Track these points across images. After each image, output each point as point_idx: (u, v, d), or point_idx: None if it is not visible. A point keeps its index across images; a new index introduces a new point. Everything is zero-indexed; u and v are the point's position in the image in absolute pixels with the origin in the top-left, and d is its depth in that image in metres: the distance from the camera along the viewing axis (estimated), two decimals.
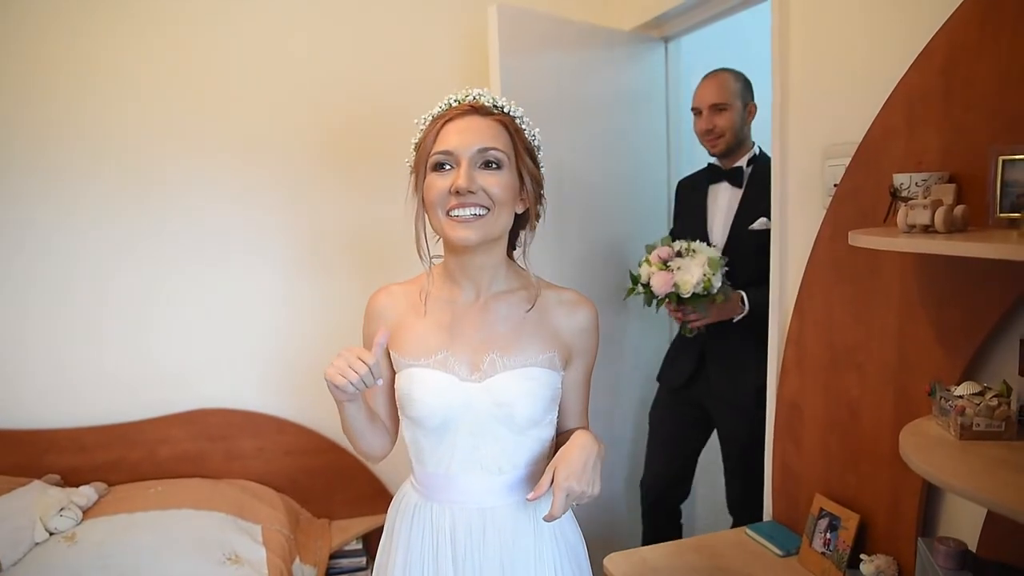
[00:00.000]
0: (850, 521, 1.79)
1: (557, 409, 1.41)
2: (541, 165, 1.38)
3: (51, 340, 2.79)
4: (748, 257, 2.38)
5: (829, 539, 1.83)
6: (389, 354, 1.40)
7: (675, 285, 2.30)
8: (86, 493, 2.59)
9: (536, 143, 1.37)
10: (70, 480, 2.74)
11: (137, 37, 2.72)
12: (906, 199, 1.45)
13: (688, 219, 2.61)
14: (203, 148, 2.81)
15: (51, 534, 2.39)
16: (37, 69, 2.66)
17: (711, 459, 3.10)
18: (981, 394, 1.33)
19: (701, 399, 2.60)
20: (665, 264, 2.32)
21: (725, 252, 2.43)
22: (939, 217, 1.28)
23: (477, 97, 1.32)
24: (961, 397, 1.35)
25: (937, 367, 1.54)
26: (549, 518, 1.21)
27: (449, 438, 1.34)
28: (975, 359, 1.48)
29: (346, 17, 2.87)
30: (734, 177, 2.51)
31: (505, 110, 1.33)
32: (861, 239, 1.41)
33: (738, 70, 2.51)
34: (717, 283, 2.28)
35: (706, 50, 2.96)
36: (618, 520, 2.92)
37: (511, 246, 1.43)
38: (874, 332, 1.71)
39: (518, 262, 1.44)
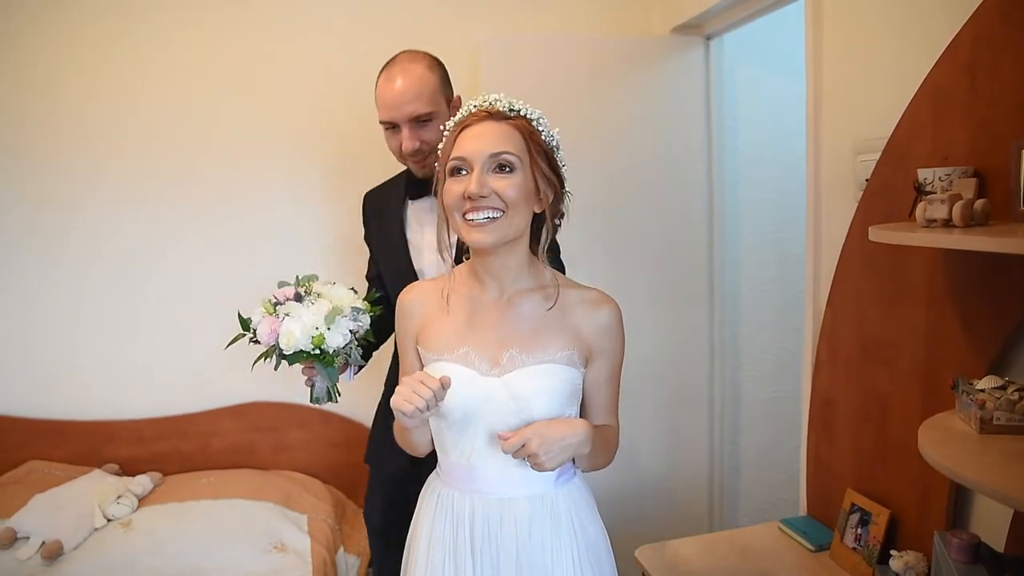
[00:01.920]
0: (881, 516, 1.79)
1: (577, 406, 1.44)
2: (562, 164, 1.41)
3: (110, 338, 2.95)
4: None
5: (860, 534, 1.83)
6: (418, 350, 1.47)
7: (279, 336, 1.65)
8: (142, 482, 2.74)
9: (554, 143, 1.39)
10: (127, 470, 2.89)
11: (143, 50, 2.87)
12: (930, 194, 1.45)
13: (384, 248, 2.03)
14: (241, 151, 2.94)
15: (109, 520, 2.53)
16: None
17: (752, 456, 3.12)
18: (1003, 388, 1.33)
19: None
20: (275, 308, 1.68)
21: None
22: (957, 211, 1.28)
23: (493, 103, 1.37)
24: (983, 391, 1.35)
25: (964, 362, 1.53)
26: (504, 442, 1.29)
27: (471, 430, 1.39)
28: (1002, 354, 1.48)
29: (357, 28, 2.96)
30: None
31: (521, 113, 1.37)
32: (880, 234, 1.42)
33: (428, 53, 1.94)
34: (336, 341, 1.64)
35: (748, 47, 2.96)
36: (649, 513, 2.93)
37: (534, 244, 1.46)
38: (903, 327, 1.71)
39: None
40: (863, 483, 1.89)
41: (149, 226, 2.93)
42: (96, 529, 2.48)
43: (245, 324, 1.71)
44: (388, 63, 1.88)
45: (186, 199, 2.92)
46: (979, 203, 1.32)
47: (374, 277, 2.10)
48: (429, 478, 1.54)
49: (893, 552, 1.71)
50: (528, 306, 1.42)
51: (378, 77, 1.87)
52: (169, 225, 2.93)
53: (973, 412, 1.34)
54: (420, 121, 1.82)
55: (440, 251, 1.41)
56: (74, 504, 2.50)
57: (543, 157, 1.36)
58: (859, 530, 1.84)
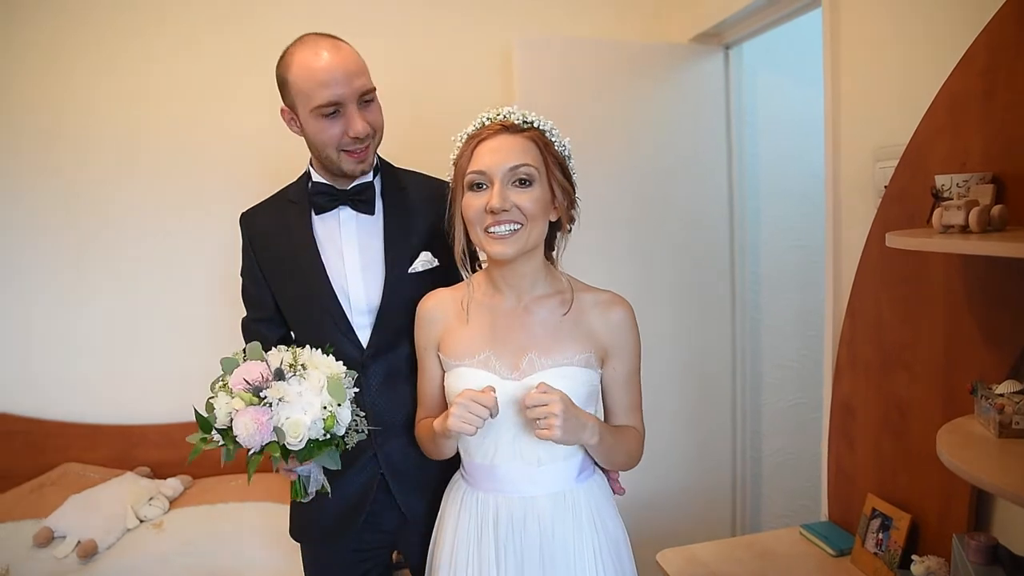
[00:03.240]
0: (902, 521, 1.80)
1: (594, 407, 1.47)
2: (573, 172, 1.45)
3: (143, 344, 3.03)
4: (410, 312, 1.59)
5: (881, 539, 1.84)
6: (439, 356, 1.52)
7: (277, 431, 1.32)
8: (173, 485, 2.80)
9: (566, 153, 1.44)
10: (158, 472, 2.95)
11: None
12: (947, 200, 1.47)
13: (293, 275, 1.65)
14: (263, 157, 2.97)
15: (141, 521, 2.59)
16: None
17: (774, 463, 3.12)
18: (1022, 392, 1.34)
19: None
20: (258, 394, 1.33)
21: (381, 315, 1.61)
22: (973, 217, 1.30)
23: (507, 115, 1.41)
24: (1002, 395, 1.36)
25: (983, 367, 1.54)
26: (536, 391, 1.32)
27: (492, 432, 1.43)
28: (1021, 358, 1.49)
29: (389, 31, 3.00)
30: (361, 199, 1.63)
31: (535, 125, 1.41)
32: (897, 240, 1.43)
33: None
34: (346, 418, 1.38)
35: (766, 56, 2.98)
36: (672, 518, 2.95)
37: (549, 250, 1.51)
38: (922, 333, 1.72)
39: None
40: (884, 488, 1.89)
41: (181, 231, 3.00)
42: (129, 529, 2.54)
43: (206, 424, 1.34)
44: (300, 43, 1.55)
45: (212, 201, 2.99)
46: (996, 209, 1.33)
47: (264, 318, 1.73)
48: (453, 478, 1.58)
49: (914, 557, 1.72)
50: (545, 312, 1.46)
51: (288, 59, 1.55)
52: (200, 230, 3.00)
53: (992, 416, 1.35)
54: (364, 100, 1.56)
55: (456, 260, 1.46)
56: (108, 505, 2.57)
57: (558, 167, 1.40)
58: (880, 535, 1.84)
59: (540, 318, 1.45)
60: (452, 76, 3.04)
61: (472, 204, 1.39)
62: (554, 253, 1.50)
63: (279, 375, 1.35)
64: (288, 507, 1.78)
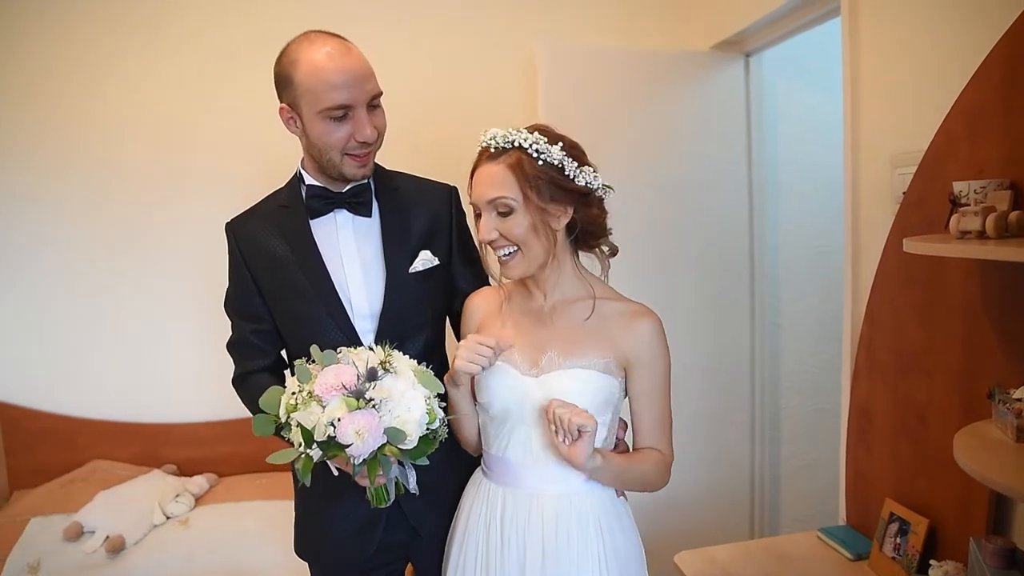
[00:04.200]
0: (920, 526, 1.80)
1: (610, 414, 1.49)
2: (571, 175, 1.41)
3: (171, 344, 3.10)
4: (413, 314, 1.60)
5: (899, 544, 1.85)
6: None
7: (389, 432, 1.26)
8: (199, 482, 2.86)
9: (554, 161, 1.39)
10: (185, 470, 3.02)
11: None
12: (965, 206, 1.48)
13: (287, 286, 1.58)
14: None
15: (168, 518, 2.65)
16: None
17: (793, 468, 3.12)
18: None
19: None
20: (362, 397, 1.26)
21: (384, 318, 1.57)
22: (990, 223, 1.31)
23: (487, 142, 1.42)
24: (1019, 400, 1.37)
25: (1001, 372, 1.55)
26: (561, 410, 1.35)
27: (509, 425, 1.48)
28: None
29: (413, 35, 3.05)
30: (359, 202, 1.60)
31: (515, 144, 1.39)
32: (914, 245, 1.45)
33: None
34: (440, 412, 1.34)
35: (787, 64, 3.00)
36: (691, 522, 2.96)
37: (587, 246, 1.53)
38: (939, 337, 1.73)
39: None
40: (902, 493, 1.90)
41: (212, 230, 3.01)
42: (156, 525, 2.60)
43: (309, 437, 1.23)
44: (306, 41, 1.49)
45: (245, 200, 3.03)
46: (1014, 215, 1.35)
47: (262, 330, 1.65)
48: (477, 470, 1.62)
49: (932, 562, 1.72)
50: (569, 314, 1.49)
51: (293, 56, 1.48)
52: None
53: (1010, 421, 1.37)
54: (372, 104, 1.52)
55: (484, 268, 1.55)
56: (136, 501, 2.63)
57: (544, 186, 1.39)
58: (898, 539, 1.85)
59: (564, 320, 1.49)
60: (476, 83, 3.08)
61: (477, 229, 1.47)
62: (577, 257, 1.54)
63: (372, 375, 1.28)
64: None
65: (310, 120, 1.49)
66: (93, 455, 3.00)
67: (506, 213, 1.40)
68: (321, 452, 1.25)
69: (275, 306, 1.62)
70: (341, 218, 1.59)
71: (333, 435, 1.22)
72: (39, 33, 2.93)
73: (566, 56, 2.77)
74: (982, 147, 1.57)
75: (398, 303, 1.58)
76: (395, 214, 1.62)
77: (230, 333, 1.70)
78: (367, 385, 1.26)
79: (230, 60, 3.01)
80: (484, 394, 1.48)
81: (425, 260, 1.61)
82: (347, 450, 1.23)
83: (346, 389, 1.25)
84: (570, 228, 1.47)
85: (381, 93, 1.53)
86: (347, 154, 1.51)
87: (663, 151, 2.88)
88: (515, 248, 1.42)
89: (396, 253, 1.59)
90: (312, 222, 1.58)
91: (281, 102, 1.53)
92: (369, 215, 1.60)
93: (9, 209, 2.98)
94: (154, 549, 2.49)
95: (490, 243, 1.43)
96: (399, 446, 1.26)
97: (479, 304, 1.61)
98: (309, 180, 1.59)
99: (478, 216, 1.45)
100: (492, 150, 1.41)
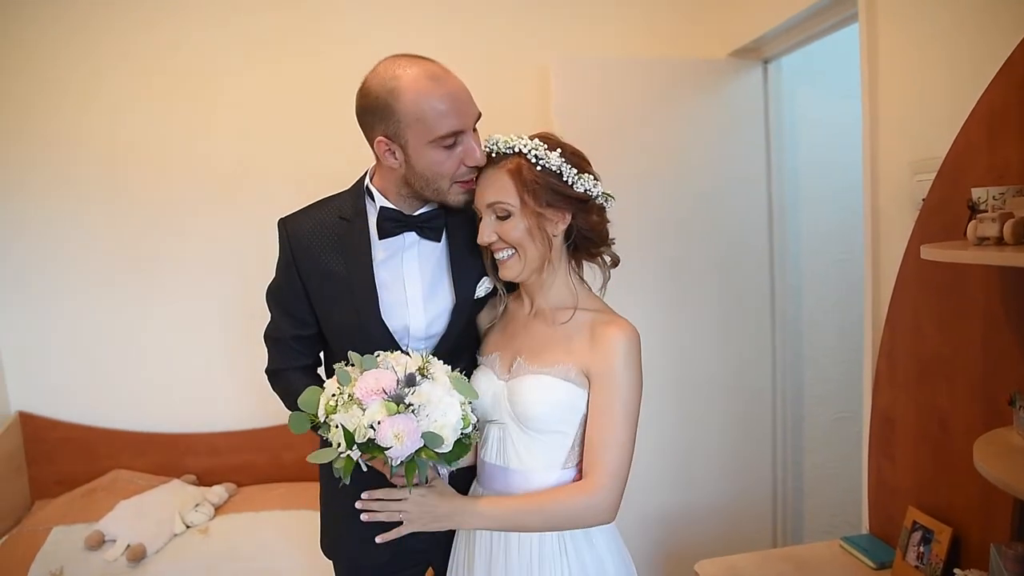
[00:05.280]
0: (943, 534, 1.79)
1: (575, 421, 1.47)
2: (570, 181, 1.43)
3: (191, 356, 3.13)
4: (465, 337, 1.64)
5: (922, 552, 1.83)
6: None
7: (427, 436, 1.29)
8: (218, 492, 2.88)
9: (552, 167, 1.41)
10: (204, 480, 3.04)
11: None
12: (983, 213, 1.47)
13: (337, 299, 1.56)
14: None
15: (188, 527, 2.67)
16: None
17: (815, 477, 3.10)
18: None
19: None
20: (401, 402, 1.29)
21: (443, 340, 1.58)
22: (1008, 229, 1.30)
23: (490, 148, 1.46)
24: None
25: (1021, 378, 1.53)
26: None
27: (487, 428, 1.53)
28: None
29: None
30: (431, 227, 1.56)
31: (515, 150, 1.43)
32: (932, 252, 1.44)
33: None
34: (473, 417, 1.39)
35: (805, 70, 2.99)
36: (712, 532, 2.95)
37: (588, 255, 1.54)
38: (960, 344, 1.72)
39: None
40: (924, 501, 1.88)
41: (238, 242, 3.09)
42: (176, 535, 2.62)
43: (350, 438, 1.27)
44: (401, 67, 1.43)
45: (275, 212, 3.05)
46: None
47: (304, 336, 1.64)
48: None
49: (956, 571, 1.70)
50: (547, 322, 1.51)
51: (392, 84, 1.42)
52: (260, 240, 3.06)
53: None
54: (474, 127, 1.49)
55: (494, 281, 1.57)
56: (156, 510, 2.66)
57: (541, 191, 1.41)
58: (921, 548, 1.83)
59: (540, 326, 1.52)
60: (489, 95, 3.05)
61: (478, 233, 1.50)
62: (571, 264, 1.55)
63: (411, 380, 1.31)
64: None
65: (418, 150, 1.44)
66: (113, 465, 3.03)
67: (504, 217, 1.44)
68: (360, 452, 1.29)
69: (323, 314, 1.60)
70: (408, 240, 1.56)
71: (373, 437, 1.26)
72: (78, 27, 2.97)
73: (580, 69, 2.78)
74: (1002, 153, 1.56)
75: (458, 327, 1.59)
76: (463, 239, 1.58)
77: (268, 323, 1.67)
78: (406, 390, 1.29)
79: (252, 55, 3.05)
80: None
81: (487, 287, 1.61)
82: (387, 452, 1.26)
83: (386, 393, 1.28)
84: (568, 234, 1.49)
85: (481, 114, 1.49)
86: (456, 181, 1.48)
87: (681, 160, 2.88)
88: (513, 251, 1.46)
89: (464, 279, 1.58)
90: (379, 242, 1.55)
91: (375, 134, 1.46)
92: (439, 240, 1.58)
93: (31, 220, 3.02)
94: (175, 558, 2.51)
95: (489, 246, 1.47)
96: (436, 450, 1.29)
97: (484, 314, 1.66)
98: (383, 202, 1.54)
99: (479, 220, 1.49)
100: (493, 155, 1.45)
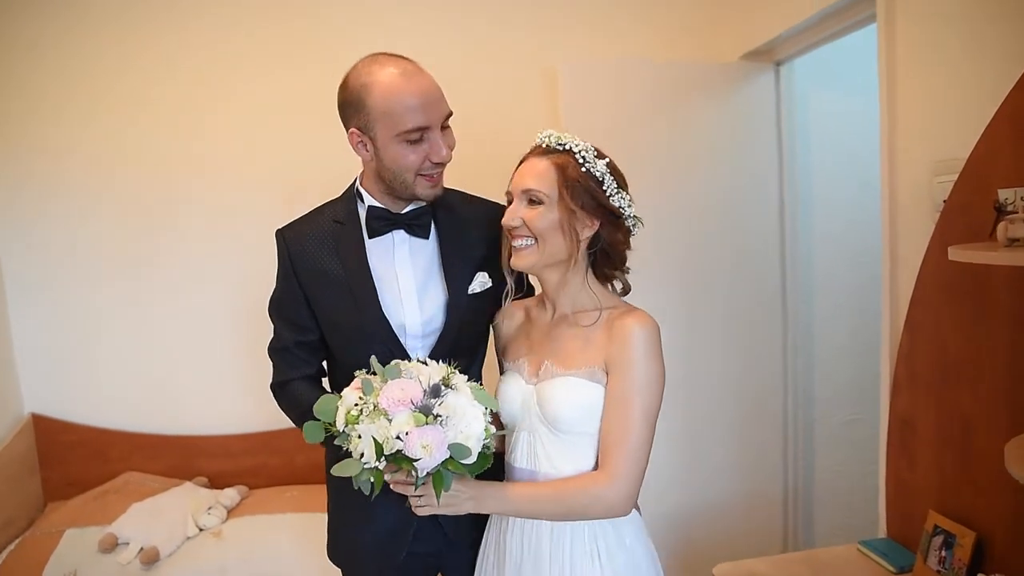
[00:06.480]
0: (966, 539, 1.77)
1: (598, 423, 1.46)
2: (608, 192, 1.45)
3: (203, 357, 3.13)
4: (467, 335, 1.64)
5: (944, 557, 1.82)
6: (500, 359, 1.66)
7: (454, 447, 1.28)
8: (230, 495, 2.88)
9: (597, 173, 1.44)
10: (216, 483, 3.04)
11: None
12: (1011, 214, 1.46)
13: (338, 302, 1.58)
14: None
15: (200, 530, 2.66)
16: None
17: (826, 480, 3.09)
18: None
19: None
20: (430, 413, 1.28)
21: (442, 337, 1.60)
22: None
23: (542, 139, 1.49)
24: None
25: None
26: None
27: (515, 432, 1.53)
28: None
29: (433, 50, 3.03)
30: (418, 224, 1.59)
31: (566, 148, 1.45)
32: (960, 254, 1.43)
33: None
34: (493, 428, 1.36)
35: (818, 72, 2.98)
36: (724, 533, 2.94)
37: (602, 273, 1.55)
38: (985, 348, 1.71)
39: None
40: (946, 505, 1.87)
41: (248, 244, 3.04)
42: (189, 537, 2.61)
43: (380, 450, 1.24)
44: (376, 64, 1.49)
45: (283, 214, 3.05)
46: None
47: (307, 342, 1.64)
48: None
49: (980, 575, 1.70)
50: (573, 325, 1.51)
51: (365, 80, 1.47)
52: (268, 243, 3.06)
53: None
54: (444, 125, 1.53)
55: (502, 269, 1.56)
56: (169, 513, 2.65)
57: (580, 191, 1.43)
58: (943, 552, 1.82)
59: (565, 330, 1.52)
60: (497, 97, 3.06)
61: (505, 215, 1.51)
62: (588, 270, 1.53)
63: (436, 391, 1.30)
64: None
65: (385, 143, 1.48)
66: (126, 467, 3.03)
67: (535, 203, 1.44)
68: (386, 463, 1.27)
69: (323, 318, 1.61)
70: (398, 238, 1.59)
71: (400, 448, 1.24)
72: (91, 27, 2.98)
73: (588, 72, 2.77)
74: None
75: (455, 323, 1.59)
76: (455, 235, 1.62)
77: (271, 337, 1.69)
78: (433, 401, 1.28)
79: (254, 62, 3.05)
80: (500, 402, 1.53)
81: (482, 282, 1.62)
82: (415, 464, 1.24)
83: (413, 404, 1.27)
84: (592, 244, 1.50)
85: (452, 113, 1.53)
86: (420, 175, 1.51)
87: (693, 163, 2.87)
88: (533, 240, 1.46)
89: (456, 273, 1.60)
90: (369, 241, 1.59)
91: (349, 127, 1.52)
92: (427, 237, 1.61)
93: (42, 223, 3.02)
94: (188, 561, 2.51)
95: (511, 230, 1.47)
96: (463, 461, 1.28)
97: (502, 322, 1.67)
98: (370, 200, 1.58)
99: (509, 203, 1.50)
100: (543, 146, 1.47)
